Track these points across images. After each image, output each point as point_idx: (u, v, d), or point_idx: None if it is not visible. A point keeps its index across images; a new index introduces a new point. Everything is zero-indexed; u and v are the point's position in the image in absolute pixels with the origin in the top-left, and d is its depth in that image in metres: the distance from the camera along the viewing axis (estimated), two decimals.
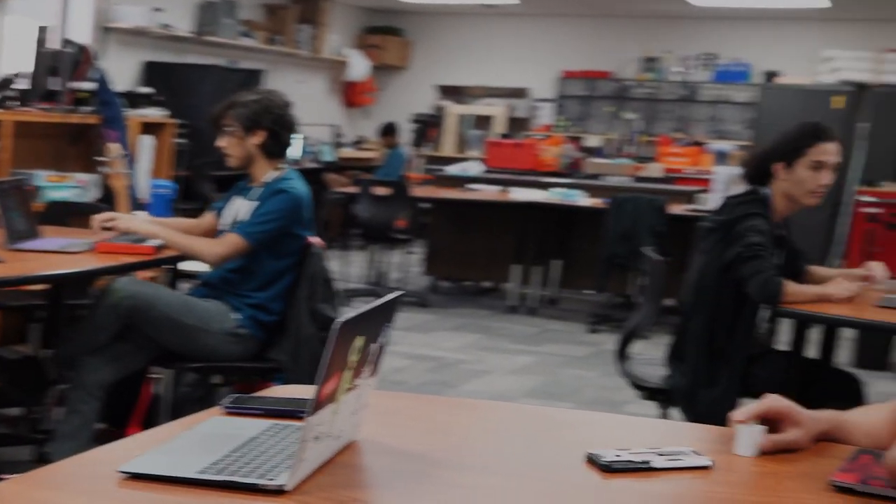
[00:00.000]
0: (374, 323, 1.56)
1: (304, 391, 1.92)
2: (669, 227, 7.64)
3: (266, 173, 3.99)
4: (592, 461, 1.63)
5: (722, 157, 11.55)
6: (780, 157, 3.85)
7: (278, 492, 1.41)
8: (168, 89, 9.23)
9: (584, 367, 6.70)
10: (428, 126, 13.58)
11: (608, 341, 7.03)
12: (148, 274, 4.61)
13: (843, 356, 6.38)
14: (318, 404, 1.43)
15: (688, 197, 8.65)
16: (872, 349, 6.84)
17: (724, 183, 7.60)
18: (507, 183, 9.10)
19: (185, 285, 4.62)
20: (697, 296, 3.95)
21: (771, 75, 12.05)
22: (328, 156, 12.41)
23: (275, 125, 3.95)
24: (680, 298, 4.22)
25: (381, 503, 1.49)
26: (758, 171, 3.93)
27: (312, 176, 4.53)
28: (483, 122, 13.59)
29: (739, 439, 1.75)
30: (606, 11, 13.02)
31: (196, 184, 9.07)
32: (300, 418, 1.62)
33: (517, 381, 6.25)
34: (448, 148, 13.44)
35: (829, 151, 3.81)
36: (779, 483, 1.64)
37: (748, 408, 1.77)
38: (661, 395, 4.04)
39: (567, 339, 7.62)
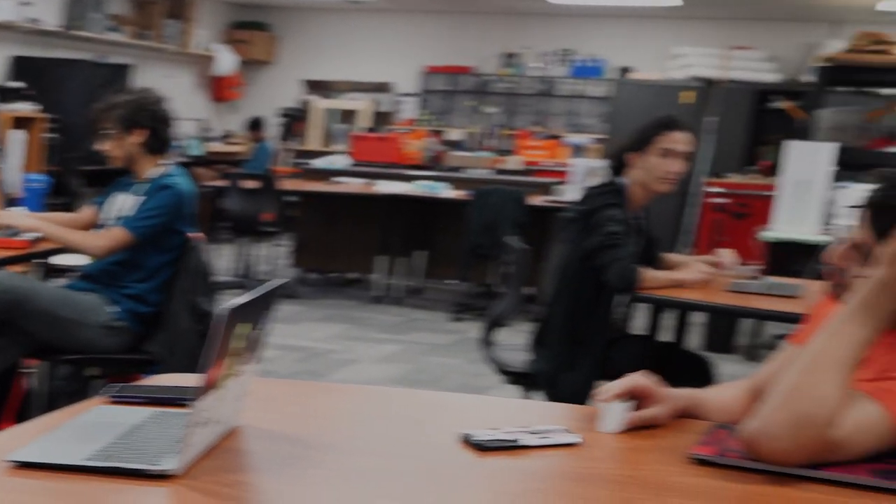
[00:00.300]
0: (258, 311, 1.58)
1: (185, 379, 1.92)
2: (529, 218, 7.75)
3: (149, 170, 3.95)
4: (467, 441, 1.67)
5: (578, 150, 11.75)
6: (634, 146, 3.96)
7: (166, 476, 1.41)
8: (37, 84, 9.00)
9: (448, 355, 6.76)
10: (294, 120, 13.49)
11: (471, 329, 7.11)
12: (19, 268, 4.50)
13: (694, 340, 6.57)
14: (204, 390, 1.43)
15: (546, 188, 8.77)
16: (720, 333, 7.06)
17: (580, 174, 7.74)
18: (372, 176, 9.11)
19: (60, 280, 4.53)
20: (559, 284, 4.03)
21: (625, 71, 12.28)
22: (196, 150, 12.23)
23: (153, 122, 3.92)
24: (541, 287, 4.30)
25: (265, 486, 1.50)
26: (617, 161, 4.04)
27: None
28: (348, 116, 13.55)
29: (604, 417, 1.81)
30: (467, 8, 13.11)
31: (65, 179, 8.86)
32: (183, 405, 1.63)
33: (384, 370, 6.28)
34: (314, 142, 13.37)
35: (677, 140, 3.93)
36: (642, 457, 1.70)
37: (613, 385, 1.84)
38: (524, 380, 4.10)
39: (431, 327, 7.67)
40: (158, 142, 3.96)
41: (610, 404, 1.81)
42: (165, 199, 3.85)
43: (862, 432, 1.64)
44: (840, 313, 1.68)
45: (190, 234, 3.95)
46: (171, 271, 3.92)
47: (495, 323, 4.21)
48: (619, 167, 4.01)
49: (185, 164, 9.90)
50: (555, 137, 12.30)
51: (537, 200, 8.09)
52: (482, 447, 1.64)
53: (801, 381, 1.61)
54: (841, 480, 1.58)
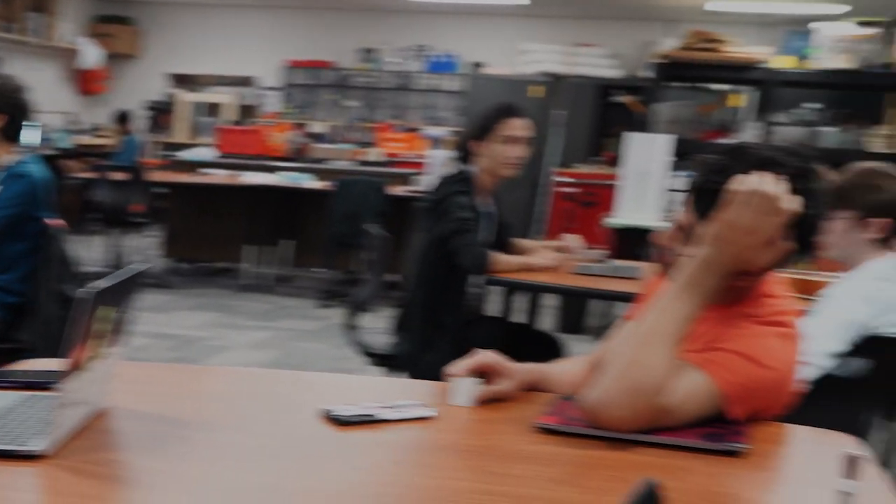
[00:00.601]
0: (121, 294, 1.56)
1: (54, 364, 1.89)
2: (390, 207, 7.78)
3: (2, 157, 3.84)
4: (328, 416, 1.69)
5: (436, 142, 11.81)
6: (477, 135, 4.02)
7: (35, 456, 1.40)
8: None
9: (316, 340, 6.75)
10: (161, 113, 13.25)
11: (337, 315, 7.10)
12: None
13: (547, 322, 6.69)
14: (70, 372, 1.42)
15: (406, 179, 8.81)
16: (571, 315, 7.20)
17: (438, 165, 7.79)
18: (238, 167, 9.02)
19: None
20: (417, 270, 4.07)
21: (477, 66, 12.38)
22: (63, 143, 11.91)
23: (11, 109, 3.80)
24: (404, 273, 4.33)
25: (134, 463, 1.49)
26: (463, 151, 4.09)
27: (48, 162, 4.38)
28: (214, 109, 13.36)
29: (455, 391, 1.85)
30: (326, 4, 13.05)
31: None
32: (51, 389, 1.61)
33: (254, 356, 6.23)
34: (181, 134, 13.15)
35: (516, 126, 4.00)
36: (492, 427, 1.74)
37: (463, 362, 1.88)
38: (388, 361, 4.13)
39: (299, 314, 7.64)
40: (14, 129, 3.85)
41: (461, 379, 1.85)
42: (20, 187, 3.75)
43: (691, 399, 1.71)
44: (668, 290, 1.75)
45: (48, 222, 3.85)
46: (32, 260, 3.82)
47: (358, 308, 4.22)
48: (466, 156, 4.07)
49: (53, 157, 9.63)
50: (413, 130, 12.33)
51: (398, 190, 8.12)
52: (342, 422, 1.67)
53: (634, 354, 1.67)
54: (673, 444, 1.64)
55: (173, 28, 13.80)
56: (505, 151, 3.98)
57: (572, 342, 4.82)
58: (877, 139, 9.13)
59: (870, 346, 2.79)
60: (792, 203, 1.73)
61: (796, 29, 9.71)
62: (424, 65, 13.07)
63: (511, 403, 1.86)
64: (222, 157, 9.71)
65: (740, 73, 8.87)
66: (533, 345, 4.27)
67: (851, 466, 1.20)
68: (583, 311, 7.27)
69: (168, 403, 1.77)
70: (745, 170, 1.75)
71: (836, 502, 1.18)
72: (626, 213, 6.66)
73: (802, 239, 1.78)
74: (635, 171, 6.67)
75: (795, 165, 1.77)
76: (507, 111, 4.02)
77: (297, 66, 13.34)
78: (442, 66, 12.98)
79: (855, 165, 3.07)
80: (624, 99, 10.60)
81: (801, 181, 1.76)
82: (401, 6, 12.46)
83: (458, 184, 3.97)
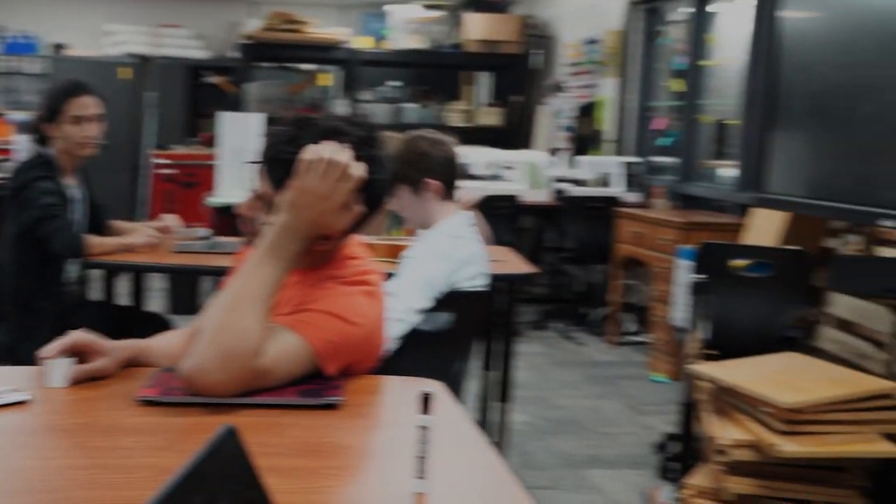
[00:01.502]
0: None
1: None
2: None
3: None
4: None
5: (22, 127, 11.14)
6: (47, 118, 3.87)
7: None
8: None
9: None
10: None
11: None
12: None
13: (157, 304, 6.55)
14: None
15: None
16: (182, 295, 7.08)
17: (25, 151, 7.40)
18: None
19: None
20: (10, 258, 3.88)
21: (59, 48, 11.80)
22: None
23: None
24: None
25: None
26: (39, 135, 3.92)
27: None
28: None
29: (49, 373, 1.79)
30: None
31: None
32: None
33: None
34: None
35: (85, 104, 3.87)
36: (93, 405, 1.71)
37: (53, 344, 1.82)
38: None
39: None
40: None
41: (54, 361, 1.79)
42: None
43: (285, 359, 1.75)
44: (252, 257, 1.78)
45: None
46: None
47: None
48: (42, 139, 3.90)
49: None
50: None
51: None
52: None
53: (225, 319, 1.69)
54: (273, 403, 1.69)
55: None
56: (79, 132, 3.84)
57: (185, 322, 4.77)
58: (455, 113, 9.72)
59: (451, 300, 2.98)
60: (357, 169, 1.81)
61: (372, 11, 10.08)
62: (1, 47, 12.26)
63: (111, 380, 1.83)
64: None
65: (323, 53, 9.10)
66: (142, 326, 4.19)
67: (426, 403, 1.30)
68: (194, 291, 7.18)
69: None
70: (313, 140, 1.81)
71: (416, 437, 1.28)
72: (225, 192, 6.64)
73: (371, 201, 1.87)
74: (231, 150, 6.66)
75: (358, 134, 1.85)
76: (73, 90, 3.87)
77: None
78: (20, 48, 12.20)
79: (395, 139, 3.24)
80: (215, 79, 10.53)
81: (364, 148, 1.84)
82: None
83: (37, 168, 3.81)
